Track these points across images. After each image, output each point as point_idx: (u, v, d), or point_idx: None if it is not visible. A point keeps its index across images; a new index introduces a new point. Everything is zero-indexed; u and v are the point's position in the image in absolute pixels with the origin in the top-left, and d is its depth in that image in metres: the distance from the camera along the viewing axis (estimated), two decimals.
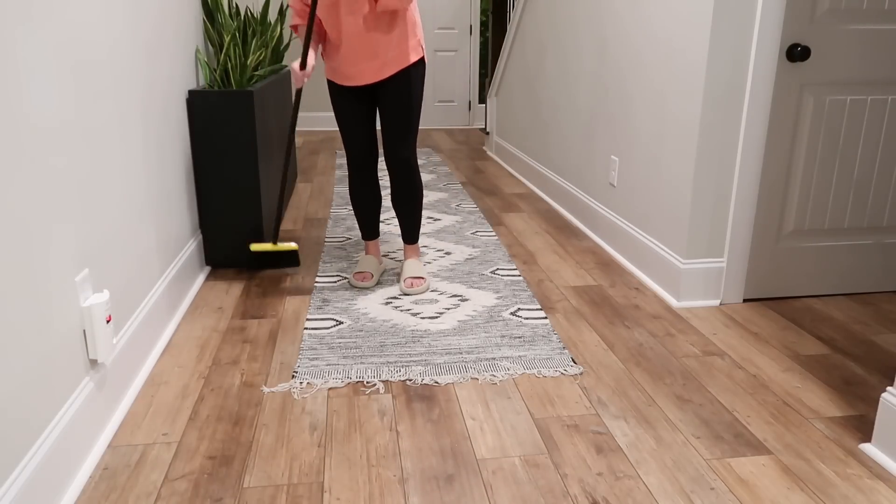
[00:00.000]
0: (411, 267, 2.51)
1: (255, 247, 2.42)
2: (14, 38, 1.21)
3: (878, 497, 1.34)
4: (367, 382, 1.79)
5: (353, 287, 2.43)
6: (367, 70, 2.22)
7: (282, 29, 3.10)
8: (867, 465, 1.44)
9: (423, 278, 2.45)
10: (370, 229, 2.56)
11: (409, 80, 2.28)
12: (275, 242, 2.43)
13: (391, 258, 2.75)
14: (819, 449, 1.49)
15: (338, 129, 2.44)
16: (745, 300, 2.31)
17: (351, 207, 2.55)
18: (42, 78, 1.31)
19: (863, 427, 1.58)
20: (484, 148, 5.39)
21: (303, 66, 2.15)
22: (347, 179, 2.40)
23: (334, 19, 2.16)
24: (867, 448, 1.49)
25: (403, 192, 2.42)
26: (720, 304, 2.29)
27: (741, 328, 2.10)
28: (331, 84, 2.33)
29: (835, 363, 1.88)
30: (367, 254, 2.59)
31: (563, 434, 1.55)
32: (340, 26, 2.15)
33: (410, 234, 2.54)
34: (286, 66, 3.54)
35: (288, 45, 3.38)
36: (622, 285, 2.49)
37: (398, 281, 2.50)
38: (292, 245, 2.46)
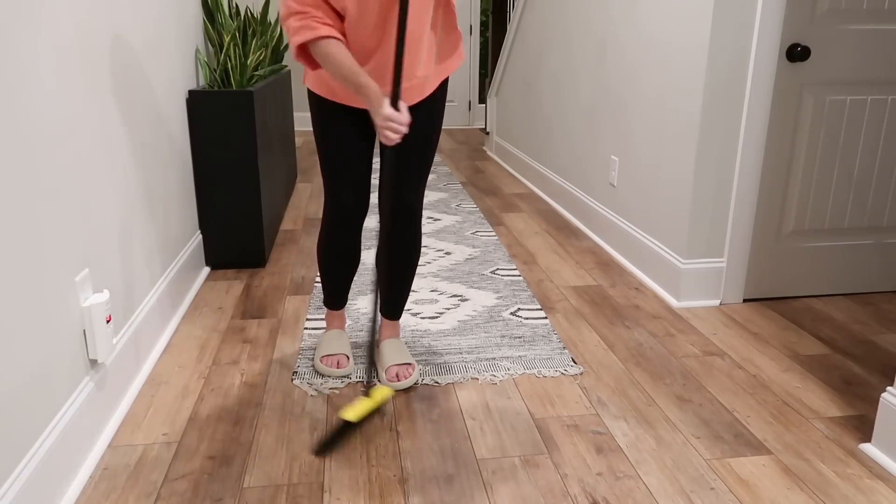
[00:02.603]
0: (395, 350, 1.82)
1: (350, 415, 1.51)
2: (17, 37, 1.21)
3: (878, 497, 1.34)
4: (368, 382, 1.79)
5: (323, 375, 1.80)
6: (413, 86, 1.56)
7: (282, 29, 3.00)
8: (867, 465, 1.44)
9: (411, 364, 1.81)
10: (342, 296, 1.89)
11: (441, 99, 1.65)
12: (367, 393, 1.59)
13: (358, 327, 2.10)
14: (819, 449, 1.49)
15: (320, 169, 1.73)
16: (745, 300, 2.31)
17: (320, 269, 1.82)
18: (44, 78, 1.31)
19: (863, 427, 1.58)
20: (484, 148, 5.39)
21: (395, 103, 1.42)
22: (320, 236, 1.77)
23: (376, 13, 1.44)
24: (867, 448, 1.49)
25: (400, 251, 1.75)
26: (720, 304, 2.29)
27: (741, 328, 2.10)
28: (325, 105, 1.59)
29: (835, 363, 1.88)
30: (331, 327, 1.93)
31: (563, 434, 1.55)
32: (386, 25, 1.46)
33: (396, 306, 1.85)
34: (286, 67, 3.53)
35: (287, 45, 3.24)
36: (622, 285, 2.49)
37: (373, 368, 1.77)
38: (386, 391, 1.62)
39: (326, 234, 1.75)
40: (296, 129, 6.03)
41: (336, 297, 1.88)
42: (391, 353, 1.81)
